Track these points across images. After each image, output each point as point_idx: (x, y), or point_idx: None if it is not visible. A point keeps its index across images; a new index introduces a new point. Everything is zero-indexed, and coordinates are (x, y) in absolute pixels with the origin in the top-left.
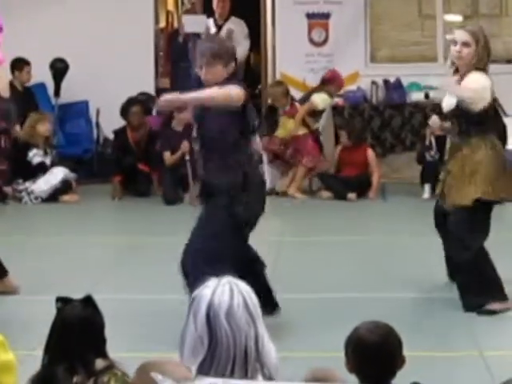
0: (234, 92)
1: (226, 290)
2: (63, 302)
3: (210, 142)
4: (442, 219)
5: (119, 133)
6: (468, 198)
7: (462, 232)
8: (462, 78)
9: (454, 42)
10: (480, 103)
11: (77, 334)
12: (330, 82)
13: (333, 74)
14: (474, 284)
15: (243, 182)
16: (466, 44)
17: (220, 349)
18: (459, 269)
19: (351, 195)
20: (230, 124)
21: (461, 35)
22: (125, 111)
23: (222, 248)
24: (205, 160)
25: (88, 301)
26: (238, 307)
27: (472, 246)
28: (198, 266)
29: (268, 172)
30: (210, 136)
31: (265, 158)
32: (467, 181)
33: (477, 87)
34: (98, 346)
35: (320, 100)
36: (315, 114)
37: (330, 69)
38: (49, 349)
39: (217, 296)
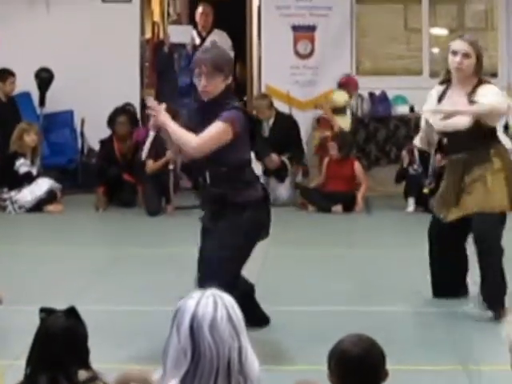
0: (218, 135)
1: (209, 302)
2: (47, 312)
3: (222, 159)
4: (445, 232)
5: (105, 142)
6: (501, 202)
7: (492, 237)
8: (460, 89)
9: (454, 53)
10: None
11: (60, 344)
12: (345, 86)
13: (347, 79)
14: (502, 290)
15: (264, 195)
16: (466, 55)
17: (203, 361)
18: (487, 272)
19: (336, 208)
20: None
21: (461, 46)
22: (111, 121)
23: (241, 260)
24: (216, 175)
25: (71, 312)
26: (221, 320)
27: (500, 250)
28: (227, 272)
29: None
30: (221, 153)
31: (259, 169)
32: (495, 187)
33: (500, 99)
34: (82, 356)
35: (339, 96)
36: (338, 112)
37: (344, 75)
38: (31, 359)
39: (200, 308)
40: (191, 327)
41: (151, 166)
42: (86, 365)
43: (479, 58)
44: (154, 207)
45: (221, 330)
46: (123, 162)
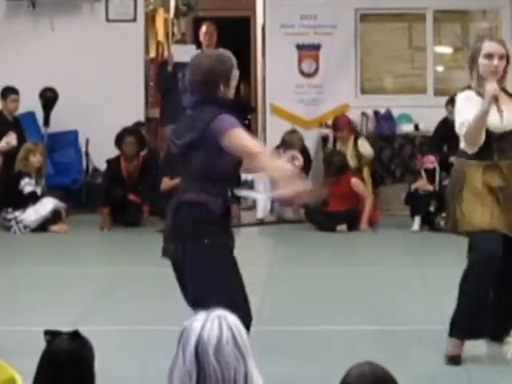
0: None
1: (215, 325)
2: (51, 335)
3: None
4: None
5: (112, 162)
6: None
7: None
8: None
9: (489, 56)
10: None
11: (65, 368)
12: (336, 129)
13: (339, 120)
14: None
15: None
16: (502, 57)
17: None
18: None
19: (341, 227)
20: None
21: (497, 47)
22: (119, 141)
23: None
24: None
25: (76, 334)
26: (226, 343)
27: None
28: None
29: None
30: None
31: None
32: None
33: None
34: (87, 380)
35: (365, 148)
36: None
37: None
38: (37, 382)
39: (206, 331)
40: (196, 350)
41: (167, 183)
42: None
43: (508, 59)
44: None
45: (226, 354)
46: (129, 182)
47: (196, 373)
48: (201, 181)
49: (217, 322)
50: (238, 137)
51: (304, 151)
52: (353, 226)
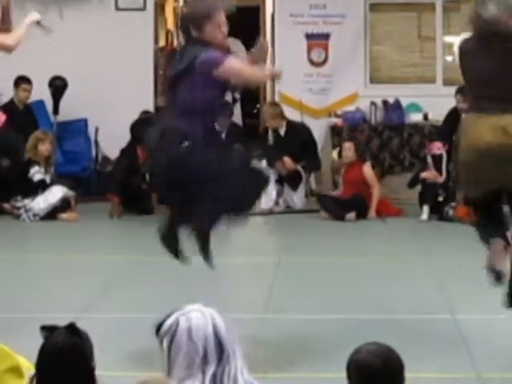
0: None
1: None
2: (48, 330)
3: None
4: None
5: (126, 151)
6: None
7: None
8: None
9: None
10: None
11: (63, 362)
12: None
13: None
14: None
15: None
16: None
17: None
18: None
19: (350, 215)
20: None
21: None
22: (136, 129)
23: None
24: None
25: (72, 328)
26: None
27: None
28: None
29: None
30: None
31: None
32: None
33: None
34: (86, 373)
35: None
36: None
37: None
38: (36, 378)
39: (218, 319)
40: (216, 335)
41: None
42: (92, 381)
43: None
44: None
45: (230, 338)
46: (143, 170)
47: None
48: (187, 112)
49: (201, 312)
50: (232, 66)
51: (311, 142)
52: (361, 214)
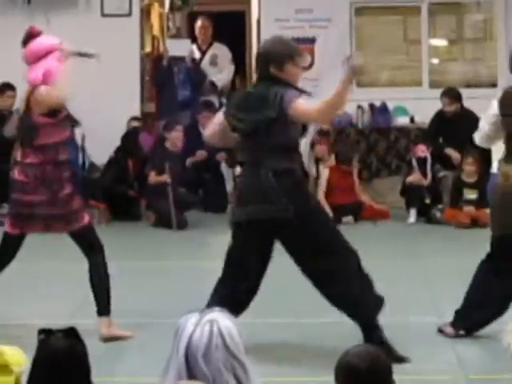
0: None
1: (205, 331)
2: (46, 333)
3: None
4: None
5: (115, 160)
6: None
7: None
8: None
9: None
10: None
11: (61, 366)
12: None
13: None
14: None
15: None
16: None
17: None
18: None
19: (347, 218)
20: None
21: None
22: (127, 139)
23: None
24: None
25: (71, 332)
26: (216, 348)
27: None
28: None
29: None
30: None
31: None
32: None
33: None
34: (83, 377)
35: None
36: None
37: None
38: (32, 381)
39: (195, 337)
40: (186, 355)
41: (154, 177)
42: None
43: None
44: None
45: (215, 359)
46: (132, 178)
47: (186, 377)
48: (283, 151)
49: (208, 327)
50: (300, 106)
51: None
52: (356, 218)
